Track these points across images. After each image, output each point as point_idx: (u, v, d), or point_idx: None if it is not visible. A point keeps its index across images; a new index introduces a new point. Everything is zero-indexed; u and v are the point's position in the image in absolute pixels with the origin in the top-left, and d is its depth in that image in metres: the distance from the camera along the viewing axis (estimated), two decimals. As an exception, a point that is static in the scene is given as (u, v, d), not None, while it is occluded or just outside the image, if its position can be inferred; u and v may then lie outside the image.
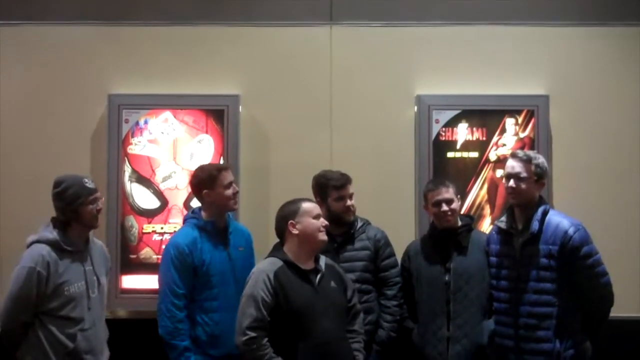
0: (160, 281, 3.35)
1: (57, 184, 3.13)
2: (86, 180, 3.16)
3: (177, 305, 3.24)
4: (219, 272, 3.35)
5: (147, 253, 4.17)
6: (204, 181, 3.41)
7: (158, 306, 3.30)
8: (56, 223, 3.11)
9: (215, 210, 3.42)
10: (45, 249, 3.02)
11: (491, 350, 3.34)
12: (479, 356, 3.36)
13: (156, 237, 4.17)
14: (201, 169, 3.51)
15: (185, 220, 3.52)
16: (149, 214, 4.18)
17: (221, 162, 4.15)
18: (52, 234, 3.06)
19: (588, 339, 3.22)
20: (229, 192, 3.40)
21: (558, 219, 3.19)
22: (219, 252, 3.39)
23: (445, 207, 3.42)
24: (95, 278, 3.19)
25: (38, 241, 3.05)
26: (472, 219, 3.63)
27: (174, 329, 3.23)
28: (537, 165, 3.24)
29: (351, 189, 3.55)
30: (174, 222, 4.17)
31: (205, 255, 3.33)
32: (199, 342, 3.30)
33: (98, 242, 3.37)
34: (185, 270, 3.28)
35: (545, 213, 3.22)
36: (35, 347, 3.02)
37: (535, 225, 3.18)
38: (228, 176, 3.43)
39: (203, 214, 3.45)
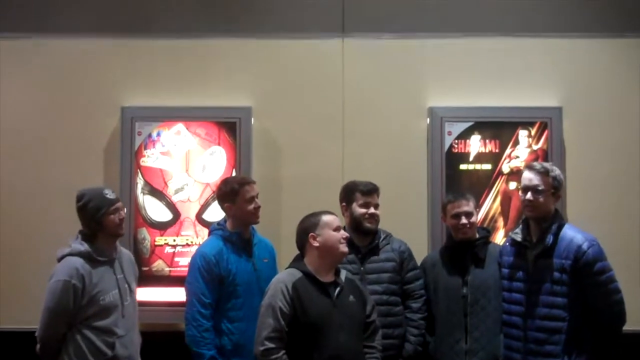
0: (187, 291, 3.38)
1: (78, 199, 3.19)
2: (106, 191, 3.22)
3: (203, 315, 3.29)
4: (244, 282, 3.39)
5: (159, 265, 4.16)
6: (226, 195, 3.46)
7: (185, 315, 3.34)
8: (84, 235, 3.18)
9: (238, 223, 3.47)
10: (78, 262, 3.07)
11: None
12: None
13: (168, 250, 4.16)
14: (225, 182, 3.56)
15: (211, 232, 3.55)
16: (162, 227, 4.18)
17: (233, 174, 4.15)
18: (83, 246, 3.12)
19: (598, 358, 3.14)
20: (251, 207, 3.43)
21: (572, 234, 3.15)
22: (244, 263, 3.43)
23: (464, 220, 3.40)
24: (127, 286, 3.26)
25: (70, 254, 3.10)
26: (489, 232, 3.62)
27: (201, 338, 3.27)
28: (554, 178, 3.21)
29: (377, 199, 3.56)
30: (186, 234, 4.17)
31: (232, 265, 3.37)
32: (224, 351, 3.33)
33: (125, 251, 3.44)
34: (212, 280, 3.32)
35: (560, 227, 3.18)
36: (76, 356, 3.05)
37: (549, 238, 3.14)
38: (251, 190, 3.46)
39: (228, 225, 3.48)
